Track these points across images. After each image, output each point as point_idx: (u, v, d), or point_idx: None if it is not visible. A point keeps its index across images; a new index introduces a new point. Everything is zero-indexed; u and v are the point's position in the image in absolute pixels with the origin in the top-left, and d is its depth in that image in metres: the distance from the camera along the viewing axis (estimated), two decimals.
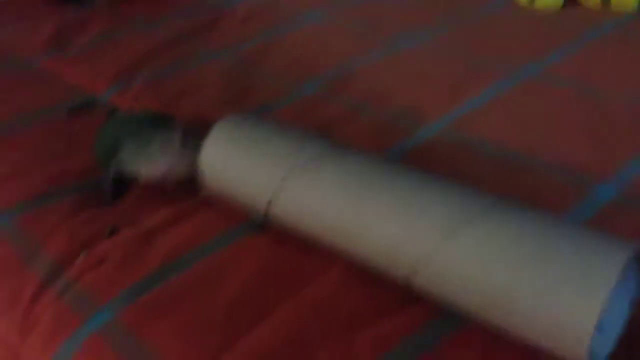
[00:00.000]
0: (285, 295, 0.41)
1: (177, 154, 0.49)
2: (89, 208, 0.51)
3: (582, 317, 0.32)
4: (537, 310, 0.34)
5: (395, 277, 0.40)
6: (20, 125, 0.65)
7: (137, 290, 0.42)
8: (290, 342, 0.38)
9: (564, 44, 0.74)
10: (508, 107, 0.62)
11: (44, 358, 0.41)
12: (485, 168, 0.54)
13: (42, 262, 0.46)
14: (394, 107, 0.63)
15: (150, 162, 0.49)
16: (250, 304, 0.41)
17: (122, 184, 0.52)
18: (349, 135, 0.58)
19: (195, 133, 0.49)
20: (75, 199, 0.53)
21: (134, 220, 0.49)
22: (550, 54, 0.72)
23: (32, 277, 0.45)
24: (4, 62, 0.81)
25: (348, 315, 0.40)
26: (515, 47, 0.74)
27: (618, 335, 0.36)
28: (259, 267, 0.44)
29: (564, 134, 0.57)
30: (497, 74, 0.68)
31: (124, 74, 0.73)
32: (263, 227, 0.46)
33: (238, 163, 0.47)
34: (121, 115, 0.57)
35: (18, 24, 0.92)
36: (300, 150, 0.45)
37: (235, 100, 0.68)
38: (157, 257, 0.45)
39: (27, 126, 0.65)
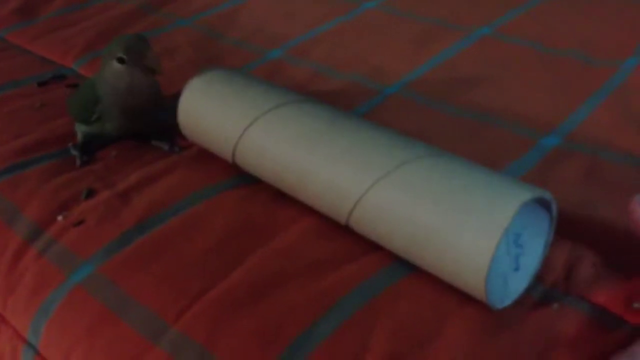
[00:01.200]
0: (258, 243, 0.44)
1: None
2: (64, 173, 0.53)
3: (478, 254, 0.36)
4: (445, 248, 0.37)
5: (338, 218, 0.43)
6: None
7: (117, 245, 0.45)
8: (264, 285, 0.41)
9: (519, 3, 0.77)
10: (464, 66, 0.65)
11: (29, 311, 0.43)
12: (444, 124, 0.57)
13: (22, 224, 0.48)
14: (357, 69, 0.66)
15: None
16: (225, 252, 0.43)
17: (90, 145, 0.55)
18: (315, 97, 0.60)
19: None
20: (50, 166, 0.54)
21: (110, 183, 0.51)
22: (504, 13, 0.75)
23: (13, 238, 0.48)
24: None
25: (315, 261, 0.43)
26: (471, 7, 0.77)
27: (534, 271, 0.40)
28: (232, 219, 0.47)
29: (517, 90, 0.61)
30: (454, 34, 0.71)
31: (93, 45, 0.74)
32: None
33: (211, 113, 0.50)
34: (90, 78, 0.59)
35: None
36: (269, 99, 0.48)
37: (205, 65, 0.69)
38: (133, 215, 0.47)
39: None
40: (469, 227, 0.37)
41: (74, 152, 0.55)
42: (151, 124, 0.56)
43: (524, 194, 0.37)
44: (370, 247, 0.43)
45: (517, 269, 0.40)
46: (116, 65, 0.51)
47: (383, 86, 0.63)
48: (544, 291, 0.40)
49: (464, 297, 0.39)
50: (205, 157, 0.53)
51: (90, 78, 0.58)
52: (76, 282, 0.43)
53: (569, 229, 0.42)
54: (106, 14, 0.83)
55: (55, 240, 0.46)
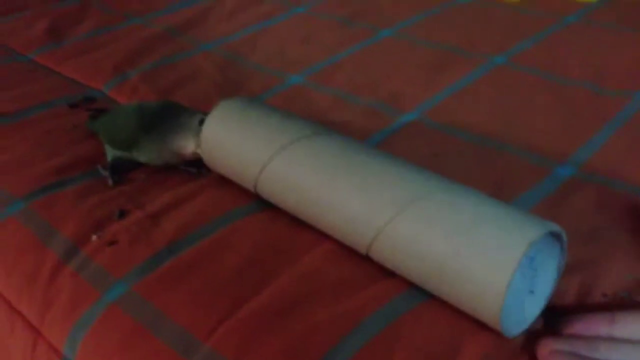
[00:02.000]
0: (283, 265, 0.46)
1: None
2: (97, 194, 0.56)
3: (492, 290, 0.38)
4: (460, 282, 0.39)
5: (358, 248, 0.45)
6: (23, 118, 0.69)
7: (149, 265, 0.47)
8: (290, 305, 0.43)
9: (531, 34, 0.79)
10: (479, 95, 0.68)
11: (65, 327, 0.45)
12: (459, 152, 0.59)
13: (58, 242, 0.51)
14: (375, 96, 0.68)
15: (179, 143, 0.55)
16: (252, 273, 0.46)
17: (120, 167, 0.58)
18: (334, 122, 0.63)
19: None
20: (83, 186, 0.57)
21: (141, 204, 0.54)
22: (517, 43, 0.77)
23: (50, 256, 0.50)
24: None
25: (338, 282, 0.45)
26: (485, 36, 0.80)
27: (548, 296, 0.42)
28: (257, 242, 0.49)
29: (530, 119, 0.63)
30: (469, 62, 0.74)
31: (120, 67, 0.77)
32: None
33: (233, 142, 0.52)
34: (125, 107, 0.62)
35: (11, 17, 0.95)
36: (288, 131, 0.50)
37: (227, 89, 0.72)
38: (164, 236, 0.50)
39: (29, 119, 0.69)
40: (481, 263, 0.39)
41: (104, 173, 0.57)
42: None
43: (534, 231, 0.39)
44: (387, 271, 0.45)
45: (532, 291, 0.42)
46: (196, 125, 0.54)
47: (401, 113, 0.65)
48: (557, 320, 0.41)
49: (480, 322, 0.41)
50: (231, 181, 0.55)
51: (129, 106, 0.60)
52: (111, 300, 0.45)
53: (582, 258, 0.44)
54: (133, 37, 0.86)
55: (91, 259, 0.49)
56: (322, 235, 0.48)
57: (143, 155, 0.56)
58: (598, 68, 0.70)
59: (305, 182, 0.47)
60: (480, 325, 0.41)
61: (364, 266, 0.46)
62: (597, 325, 0.38)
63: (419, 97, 0.68)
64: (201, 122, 0.54)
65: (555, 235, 0.41)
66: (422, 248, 0.41)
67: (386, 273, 0.45)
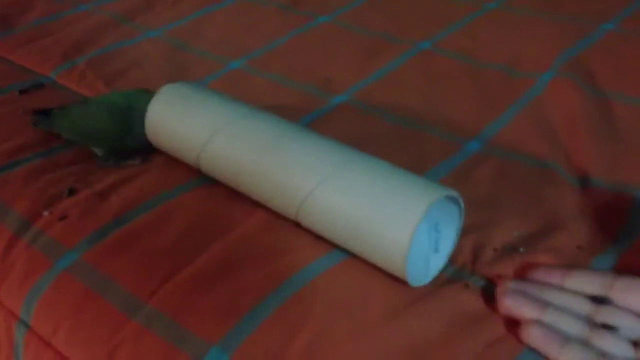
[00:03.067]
0: (218, 234, 0.52)
1: None
2: (47, 174, 0.60)
3: (399, 242, 0.44)
4: (373, 238, 0.46)
5: (288, 215, 0.51)
6: None
7: (97, 236, 0.52)
8: (223, 268, 0.48)
9: (455, 21, 0.86)
10: (404, 78, 0.74)
11: (21, 295, 0.50)
12: (384, 131, 0.65)
13: (11, 220, 0.55)
14: (309, 80, 0.74)
15: None
16: (190, 241, 0.51)
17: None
18: (270, 105, 0.68)
19: None
20: (34, 167, 0.61)
21: (90, 183, 0.58)
22: (442, 29, 0.84)
23: (4, 231, 0.54)
24: None
25: (268, 248, 0.51)
26: (413, 23, 0.86)
27: (449, 253, 0.49)
28: (196, 214, 0.54)
29: (448, 100, 0.69)
30: (397, 48, 0.80)
31: (68, 54, 0.81)
32: None
33: (177, 123, 0.57)
34: (93, 109, 0.64)
35: None
36: (226, 112, 0.56)
37: (172, 75, 0.77)
38: (111, 210, 0.55)
39: None
40: (391, 220, 0.45)
41: (109, 163, 0.61)
42: None
43: (432, 195, 0.45)
44: (314, 237, 0.51)
45: (436, 250, 0.49)
46: None
47: (332, 95, 0.71)
48: (455, 271, 0.48)
49: (390, 278, 0.47)
50: (174, 160, 0.60)
51: (97, 108, 0.63)
52: (62, 267, 0.50)
53: (477, 220, 0.51)
54: (80, 25, 0.89)
55: (43, 232, 0.53)
56: (256, 206, 0.54)
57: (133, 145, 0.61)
58: (512, 52, 0.77)
59: (241, 157, 0.53)
60: (390, 280, 0.47)
61: (293, 232, 0.52)
62: (552, 275, 0.45)
63: (349, 81, 0.73)
64: None
65: (454, 201, 0.48)
66: (340, 212, 0.47)
67: (314, 238, 0.51)
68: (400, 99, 0.70)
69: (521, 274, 0.46)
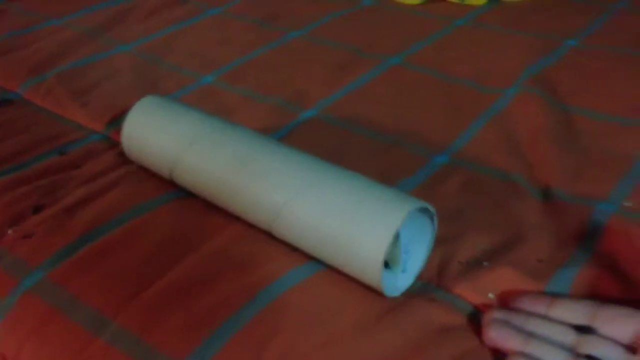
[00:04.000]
0: (190, 248, 0.52)
1: None
2: (12, 190, 0.59)
3: (374, 253, 0.45)
4: (349, 251, 0.46)
5: (263, 227, 0.52)
6: None
7: (63, 254, 0.51)
8: (194, 283, 0.48)
9: (425, 36, 0.87)
10: (375, 93, 0.75)
11: None
12: (354, 145, 0.66)
13: None
14: (280, 94, 0.75)
15: None
16: (161, 257, 0.51)
17: None
18: (242, 120, 0.68)
19: None
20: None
21: (57, 198, 0.58)
22: (412, 44, 0.85)
23: None
24: None
25: (241, 261, 0.51)
26: (384, 38, 0.87)
27: (418, 271, 0.49)
28: (168, 228, 0.54)
29: (418, 114, 0.70)
30: (368, 62, 0.81)
31: (37, 69, 0.80)
32: None
33: (151, 138, 0.58)
34: None
35: None
36: (200, 125, 0.57)
37: (143, 89, 0.77)
38: (79, 227, 0.54)
39: None
40: (366, 233, 0.46)
41: None
42: None
43: (411, 204, 0.46)
44: (289, 249, 0.51)
45: (404, 271, 0.49)
46: None
47: (302, 110, 0.72)
48: (422, 285, 0.49)
49: (363, 289, 0.47)
50: (146, 174, 0.60)
51: None
52: (28, 286, 0.49)
53: (444, 233, 0.52)
54: (51, 38, 0.89)
55: (7, 251, 0.53)
56: (231, 219, 0.54)
57: None
58: (479, 67, 0.79)
59: (215, 169, 0.53)
60: (363, 292, 0.47)
61: (268, 244, 0.52)
62: (537, 304, 0.45)
63: (319, 95, 0.74)
64: None
65: (427, 214, 0.48)
66: (316, 224, 0.48)
67: (289, 249, 0.51)
68: (370, 113, 0.71)
69: (506, 302, 0.46)
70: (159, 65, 0.82)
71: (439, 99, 0.73)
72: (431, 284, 0.49)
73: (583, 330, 0.43)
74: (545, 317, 0.44)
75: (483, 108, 0.70)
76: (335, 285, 0.48)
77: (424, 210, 0.48)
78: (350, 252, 0.46)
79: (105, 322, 0.46)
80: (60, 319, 0.47)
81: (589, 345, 0.41)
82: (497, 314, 0.44)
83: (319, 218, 0.48)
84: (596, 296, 0.45)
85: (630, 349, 0.40)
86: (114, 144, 0.66)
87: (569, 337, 0.42)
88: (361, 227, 0.46)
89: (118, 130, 0.64)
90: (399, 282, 0.49)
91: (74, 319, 0.47)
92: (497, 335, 0.43)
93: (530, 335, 0.42)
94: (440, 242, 0.51)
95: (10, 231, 0.54)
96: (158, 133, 0.58)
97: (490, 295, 0.47)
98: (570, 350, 0.42)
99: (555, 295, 0.45)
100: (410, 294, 0.48)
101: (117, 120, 0.68)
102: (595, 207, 0.54)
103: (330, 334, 0.44)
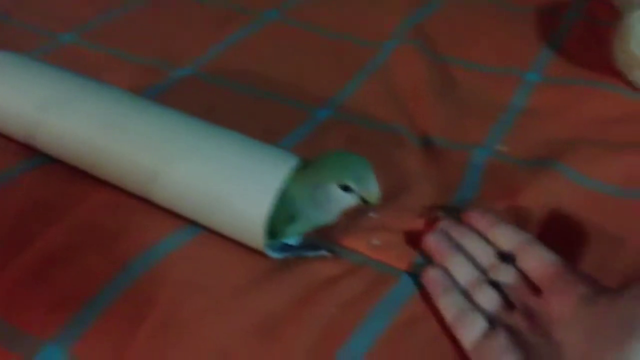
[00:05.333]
0: (51, 221, 0.47)
1: None
2: None
3: (255, 212, 0.43)
4: (230, 211, 0.44)
5: (138, 192, 0.48)
6: None
7: None
8: (59, 256, 0.44)
9: None
10: (252, 48, 0.72)
11: None
12: (233, 102, 0.63)
13: None
14: (151, 53, 0.70)
15: None
16: (22, 230, 0.46)
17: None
18: (112, 80, 0.63)
19: None
20: None
21: None
22: None
23: None
24: None
25: (109, 231, 0.47)
26: None
27: (306, 229, 0.46)
28: (26, 201, 0.49)
29: (297, 69, 0.68)
30: (245, 18, 0.77)
31: None
32: None
33: (5, 99, 0.52)
34: None
35: None
36: (63, 85, 0.51)
37: None
38: None
39: None
40: (247, 191, 0.43)
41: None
42: None
43: (293, 161, 0.44)
44: (164, 214, 0.48)
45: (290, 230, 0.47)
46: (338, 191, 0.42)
47: (176, 68, 0.67)
48: (308, 240, 0.47)
49: (245, 251, 0.45)
50: (1, 140, 0.54)
51: None
52: None
53: None
54: None
55: None
56: (99, 186, 0.50)
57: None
58: (357, 21, 0.77)
59: (83, 132, 0.48)
60: (246, 253, 0.45)
61: (140, 210, 0.48)
62: (481, 221, 0.45)
63: (195, 53, 0.70)
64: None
65: None
66: (195, 186, 0.45)
67: (164, 215, 0.48)
68: (249, 70, 0.68)
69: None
70: (10, 24, 0.74)
71: (318, 54, 0.72)
72: (317, 239, 0.48)
73: (508, 257, 0.43)
74: (481, 236, 0.45)
75: (364, 62, 0.69)
76: (216, 249, 0.46)
77: None
78: (232, 213, 0.44)
79: None
80: None
81: (500, 273, 0.42)
82: (443, 224, 0.46)
83: (199, 179, 0.45)
84: None
85: (536, 289, 0.41)
86: None
87: (488, 260, 0.43)
88: (242, 187, 0.44)
89: None
90: (283, 241, 0.47)
91: None
92: (432, 243, 0.45)
93: (458, 251, 0.44)
94: None
95: None
96: (14, 93, 0.51)
97: (376, 242, 0.47)
98: (484, 272, 0.43)
99: (501, 220, 0.45)
100: (296, 251, 0.46)
101: None
102: (472, 152, 0.55)
103: (211, 301, 0.42)
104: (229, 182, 0.44)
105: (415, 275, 0.44)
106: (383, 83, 0.66)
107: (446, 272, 0.43)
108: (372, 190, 0.40)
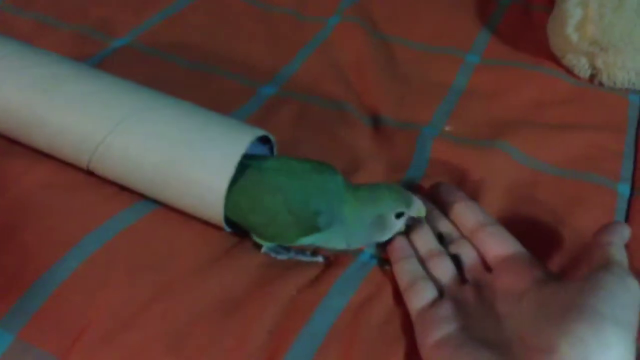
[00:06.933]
0: None
1: None
2: None
3: (216, 182, 0.41)
4: (187, 183, 0.42)
5: (79, 164, 0.45)
6: None
7: None
8: None
9: None
10: (190, 21, 0.69)
11: None
12: (174, 76, 0.61)
13: None
14: (83, 21, 0.66)
15: None
16: None
17: None
18: (46, 45, 0.59)
19: None
20: None
21: None
22: None
23: None
24: None
25: (51, 209, 0.44)
26: None
27: None
28: None
29: (239, 44, 0.67)
30: None
31: None
32: None
33: None
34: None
35: None
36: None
37: None
38: None
39: None
40: (207, 161, 0.42)
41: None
42: None
43: (254, 132, 0.43)
44: (111, 190, 0.46)
45: None
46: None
47: (112, 38, 0.64)
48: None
49: (201, 227, 0.44)
50: None
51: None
52: None
53: None
54: None
55: None
56: (37, 161, 0.47)
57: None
58: None
59: (14, 99, 0.45)
60: (202, 229, 0.44)
61: (85, 186, 0.46)
62: (450, 195, 0.46)
63: (130, 23, 0.67)
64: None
65: (267, 145, 0.46)
66: (142, 158, 0.42)
67: (111, 191, 0.46)
68: (189, 42, 0.65)
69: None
70: None
71: (260, 29, 0.70)
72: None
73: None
74: (447, 208, 0.46)
75: (307, 38, 0.69)
76: (169, 227, 0.45)
77: (264, 141, 0.46)
78: (190, 185, 0.42)
79: None
80: None
81: (458, 246, 0.44)
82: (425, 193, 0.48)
83: (152, 148, 0.42)
84: None
85: (488, 268, 0.42)
86: None
87: (451, 234, 0.45)
88: (202, 156, 0.42)
89: None
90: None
91: None
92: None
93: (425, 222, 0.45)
94: None
95: None
96: None
97: None
98: (446, 245, 0.44)
99: (468, 198, 0.46)
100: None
101: None
102: (420, 131, 0.56)
103: (166, 281, 0.41)
104: (187, 151, 0.42)
105: (370, 253, 0.45)
106: (328, 60, 0.66)
107: (410, 242, 0.44)
108: (419, 208, 0.43)
